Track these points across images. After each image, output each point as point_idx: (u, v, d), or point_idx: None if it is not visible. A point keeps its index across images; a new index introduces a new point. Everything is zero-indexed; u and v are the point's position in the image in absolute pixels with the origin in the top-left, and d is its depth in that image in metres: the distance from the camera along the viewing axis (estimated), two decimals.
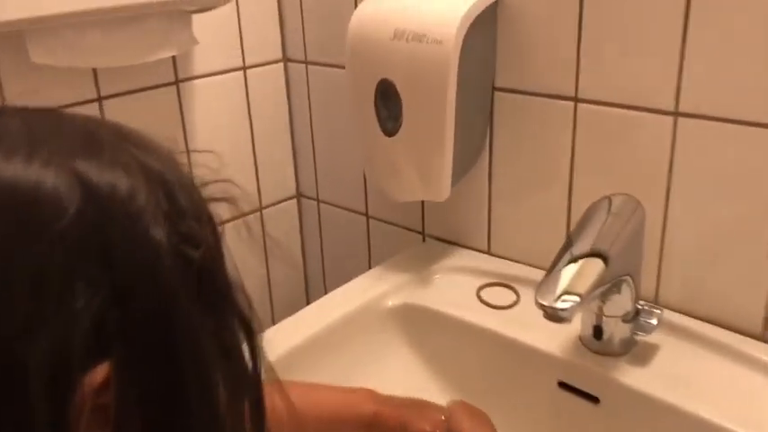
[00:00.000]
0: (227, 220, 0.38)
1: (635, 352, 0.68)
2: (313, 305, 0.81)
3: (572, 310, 0.57)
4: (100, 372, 0.28)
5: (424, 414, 0.60)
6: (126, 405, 0.30)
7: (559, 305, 0.58)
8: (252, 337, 0.38)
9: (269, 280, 1.07)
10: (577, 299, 0.58)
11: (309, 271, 1.12)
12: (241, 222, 1.04)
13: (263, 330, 0.39)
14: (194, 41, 0.84)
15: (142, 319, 0.30)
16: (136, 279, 0.30)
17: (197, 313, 0.33)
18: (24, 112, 0.32)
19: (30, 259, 0.27)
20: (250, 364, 0.38)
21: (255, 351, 0.38)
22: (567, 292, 0.58)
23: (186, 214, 0.33)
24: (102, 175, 0.29)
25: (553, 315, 0.58)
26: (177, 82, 0.90)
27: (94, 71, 0.80)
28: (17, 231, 0.27)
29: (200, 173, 0.38)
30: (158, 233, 0.30)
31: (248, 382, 0.37)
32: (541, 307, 0.58)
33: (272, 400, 0.42)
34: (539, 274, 0.80)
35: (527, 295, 0.78)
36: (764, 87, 0.60)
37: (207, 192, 0.36)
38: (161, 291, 0.31)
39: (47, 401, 0.27)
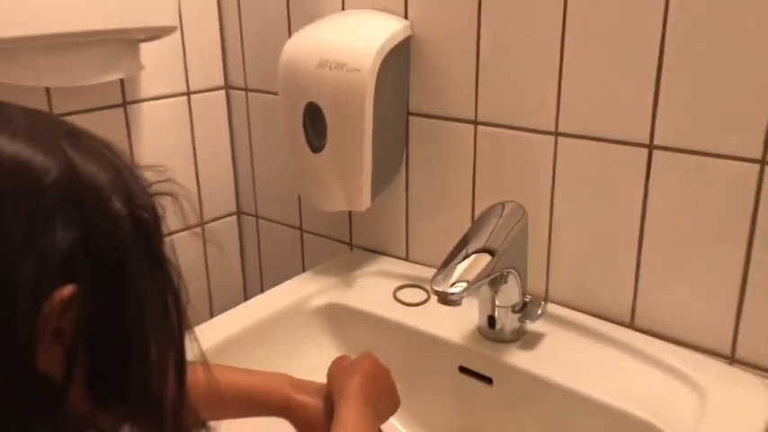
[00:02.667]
0: (173, 232, 0.46)
1: (525, 339, 0.78)
2: (248, 302, 0.89)
3: (461, 293, 0.67)
4: (66, 290, 0.37)
5: (329, 400, 0.65)
6: (79, 328, 0.38)
7: (450, 290, 0.67)
8: (179, 303, 0.45)
9: (209, 288, 1.15)
10: (465, 284, 0.67)
11: (248, 279, 1.20)
12: (185, 234, 1.11)
13: (188, 303, 0.46)
14: (141, 67, 0.93)
15: (101, 259, 0.39)
16: (98, 230, 0.39)
17: (141, 268, 0.41)
18: (22, 107, 0.42)
19: (25, 204, 0.37)
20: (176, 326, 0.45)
21: (181, 316, 0.45)
22: (458, 281, 0.68)
23: (135, 195, 0.42)
24: (78, 156, 0.40)
25: (445, 299, 0.68)
26: (125, 104, 0.99)
27: (47, 90, 0.88)
28: (18, 185, 0.37)
29: (148, 176, 0.47)
30: (116, 203, 0.40)
31: (174, 337, 0.45)
32: (435, 292, 0.68)
33: (195, 376, 0.49)
34: None
35: None
36: (632, 109, 0.72)
37: (153, 188, 0.45)
38: (115, 241, 0.40)
39: (28, 305, 0.36)
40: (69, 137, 0.41)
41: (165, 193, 0.45)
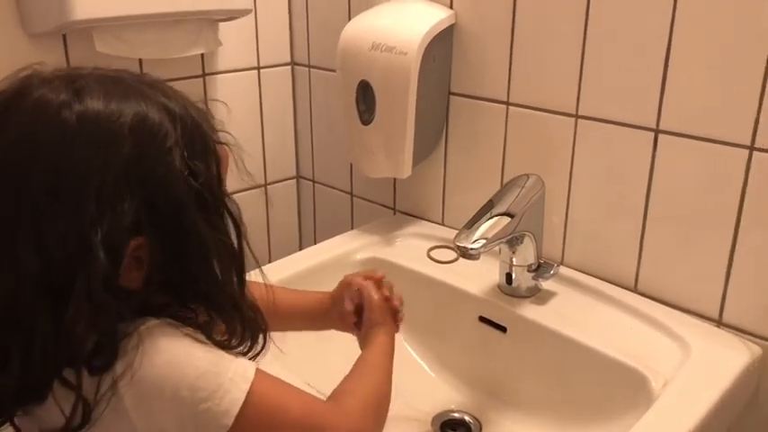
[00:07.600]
0: (238, 191, 0.59)
1: (538, 296, 0.89)
2: (302, 251, 1.03)
3: (479, 249, 0.78)
4: (137, 240, 0.50)
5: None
6: (152, 258, 0.51)
7: (471, 245, 0.79)
8: (239, 231, 0.58)
9: (269, 243, 1.29)
10: (484, 241, 0.79)
11: (303, 236, 1.34)
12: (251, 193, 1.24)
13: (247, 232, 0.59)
14: (219, 43, 1.07)
15: (163, 218, 0.51)
16: (160, 195, 0.50)
17: (201, 217, 0.53)
18: (133, 73, 0.55)
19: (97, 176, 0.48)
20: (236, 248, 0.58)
21: (240, 241, 0.58)
22: (478, 238, 0.79)
23: (196, 155, 0.53)
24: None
25: (465, 253, 0.79)
26: (204, 75, 1.13)
27: (140, 61, 1.02)
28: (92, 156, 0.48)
29: (215, 121, 0.59)
30: (177, 164, 0.51)
31: (234, 259, 0.58)
32: (458, 247, 0.79)
33: (253, 290, 0.61)
34: None
35: None
36: (642, 96, 0.81)
37: (216, 136, 0.58)
38: (175, 201, 0.51)
39: (107, 254, 0.48)
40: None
41: (223, 143, 0.58)
